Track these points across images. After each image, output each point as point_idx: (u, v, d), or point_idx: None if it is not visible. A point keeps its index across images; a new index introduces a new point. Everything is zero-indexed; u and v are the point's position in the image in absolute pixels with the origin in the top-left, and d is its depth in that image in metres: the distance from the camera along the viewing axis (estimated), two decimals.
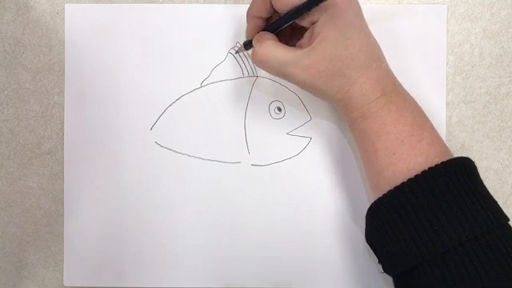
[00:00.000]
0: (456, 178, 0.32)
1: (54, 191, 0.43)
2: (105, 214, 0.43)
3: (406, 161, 0.34)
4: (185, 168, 0.42)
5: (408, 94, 0.36)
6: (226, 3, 0.42)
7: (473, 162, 0.35)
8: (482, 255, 0.31)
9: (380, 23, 0.42)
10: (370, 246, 0.37)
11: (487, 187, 0.43)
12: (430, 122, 0.36)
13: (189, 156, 0.43)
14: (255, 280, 0.42)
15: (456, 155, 0.42)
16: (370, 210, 0.36)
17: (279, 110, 0.42)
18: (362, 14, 0.36)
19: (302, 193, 0.42)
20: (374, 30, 0.40)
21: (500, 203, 0.43)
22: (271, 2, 0.35)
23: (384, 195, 0.34)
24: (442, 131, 0.42)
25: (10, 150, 0.43)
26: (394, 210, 0.33)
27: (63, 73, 0.43)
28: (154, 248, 0.43)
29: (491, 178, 0.42)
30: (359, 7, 0.35)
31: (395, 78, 0.37)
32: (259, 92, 0.42)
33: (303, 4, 0.34)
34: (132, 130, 0.43)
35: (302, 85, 0.36)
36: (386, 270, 0.36)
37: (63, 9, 0.43)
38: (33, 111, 0.43)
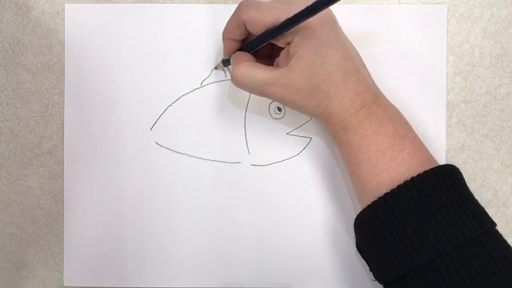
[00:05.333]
0: (439, 187, 0.32)
1: (53, 191, 0.43)
2: (105, 214, 0.43)
3: (389, 171, 0.34)
4: (185, 168, 0.42)
5: (389, 104, 0.36)
6: (226, 3, 0.42)
7: (457, 169, 0.35)
8: (467, 263, 0.31)
9: (380, 23, 0.42)
10: (361, 254, 0.37)
11: (487, 187, 0.43)
12: (412, 131, 0.36)
13: (189, 156, 0.43)
14: (255, 280, 0.42)
15: (456, 155, 0.42)
16: (356, 220, 0.36)
17: (279, 110, 0.42)
18: (338, 27, 0.36)
19: (302, 193, 0.42)
20: (374, 30, 0.40)
21: (500, 203, 0.43)
22: (245, 25, 0.36)
23: (368, 206, 0.34)
24: (442, 131, 0.42)
25: (10, 150, 0.43)
26: (378, 220, 0.33)
27: (63, 73, 0.43)
28: (153, 248, 0.43)
29: (491, 178, 0.42)
30: (334, 21, 0.35)
31: (376, 88, 0.37)
32: None
33: (276, 28, 0.34)
34: (132, 130, 0.43)
35: (282, 101, 0.37)
36: (376, 278, 0.36)
37: (63, 9, 0.43)
38: (33, 111, 0.43)
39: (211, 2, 0.42)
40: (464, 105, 0.42)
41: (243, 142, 0.42)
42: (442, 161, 0.41)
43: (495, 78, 0.42)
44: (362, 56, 0.37)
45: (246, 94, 0.42)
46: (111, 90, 0.43)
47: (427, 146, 0.36)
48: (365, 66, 0.37)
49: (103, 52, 0.43)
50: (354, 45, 0.37)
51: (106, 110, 0.43)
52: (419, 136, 0.36)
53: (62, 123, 0.43)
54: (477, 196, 0.34)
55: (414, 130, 0.36)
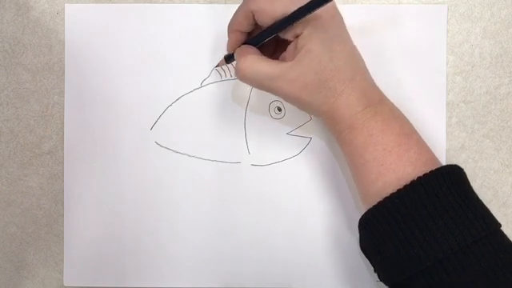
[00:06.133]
0: (446, 187, 0.32)
1: (53, 191, 0.43)
2: (105, 214, 0.43)
3: (395, 171, 0.33)
4: (185, 168, 0.42)
5: (394, 105, 0.36)
6: (226, 3, 0.42)
7: (461, 169, 0.35)
8: (474, 263, 0.31)
9: (380, 23, 0.42)
10: (365, 255, 0.37)
11: (487, 187, 0.43)
12: (416, 131, 0.36)
13: (189, 156, 0.43)
14: (255, 280, 0.42)
15: (456, 155, 0.42)
16: (361, 220, 0.36)
17: (279, 109, 0.42)
18: (345, 26, 0.35)
19: (302, 193, 0.42)
20: (374, 30, 0.40)
21: (500, 203, 0.43)
22: (253, 16, 0.35)
23: (374, 206, 0.34)
24: (442, 131, 0.42)
25: (10, 150, 0.43)
26: (384, 220, 0.33)
27: (63, 73, 0.43)
28: (154, 248, 0.43)
29: (491, 178, 0.42)
30: (342, 19, 0.35)
31: (379, 89, 0.36)
32: (259, 92, 0.42)
33: (286, 18, 0.33)
34: (132, 130, 0.43)
35: (288, 98, 0.36)
36: (381, 279, 0.36)
37: (63, 9, 0.43)
38: (33, 111, 0.43)
39: (211, 2, 0.42)
40: (464, 105, 0.42)
41: (243, 142, 0.42)
42: (442, 161, 0.41)
43: (495, 78, 0.42)
44: (362, 56, 0.37)
45: (246, 93, 0.42)
46: (111, 90, 0.43)
47: None
48: (366, 67, 0.37)
49: (103, 52, 0.43)
50: (354, 44, 0.37)
51: (106, 109, 0.43)
52: None
53: (62, 123, 0.43)
54: None
55: None
